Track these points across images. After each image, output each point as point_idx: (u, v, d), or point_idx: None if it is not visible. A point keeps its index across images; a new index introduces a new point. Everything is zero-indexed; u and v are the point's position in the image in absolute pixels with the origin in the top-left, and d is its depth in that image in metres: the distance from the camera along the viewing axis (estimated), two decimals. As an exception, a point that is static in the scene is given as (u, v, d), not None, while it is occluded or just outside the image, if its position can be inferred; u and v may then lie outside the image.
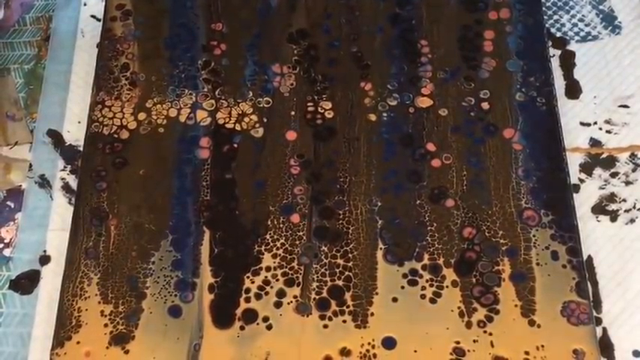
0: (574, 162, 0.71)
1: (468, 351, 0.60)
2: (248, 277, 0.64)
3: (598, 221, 0.68)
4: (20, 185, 0.71)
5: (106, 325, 0.62)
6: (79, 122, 0.73)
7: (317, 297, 0.63)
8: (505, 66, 0.73)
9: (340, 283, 0.63)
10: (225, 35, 0.76)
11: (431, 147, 0.69)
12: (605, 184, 0.70)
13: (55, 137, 0.73)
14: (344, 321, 0.62)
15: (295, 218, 0.66)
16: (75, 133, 0.73)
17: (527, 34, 0.75)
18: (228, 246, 0.65)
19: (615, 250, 0.67)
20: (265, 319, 0.62)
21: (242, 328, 0.62)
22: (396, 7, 0.77)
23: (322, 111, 0.71)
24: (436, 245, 0.65)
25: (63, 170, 0.72)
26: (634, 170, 0.71)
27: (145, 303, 0.63)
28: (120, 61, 0.74)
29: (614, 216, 0.69)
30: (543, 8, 0.78)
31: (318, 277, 0.63)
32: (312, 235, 0.65)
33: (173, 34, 0.76)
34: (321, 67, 0.74)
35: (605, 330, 0.63)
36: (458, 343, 0.61)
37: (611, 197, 0.69)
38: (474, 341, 0.61)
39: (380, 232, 0.65)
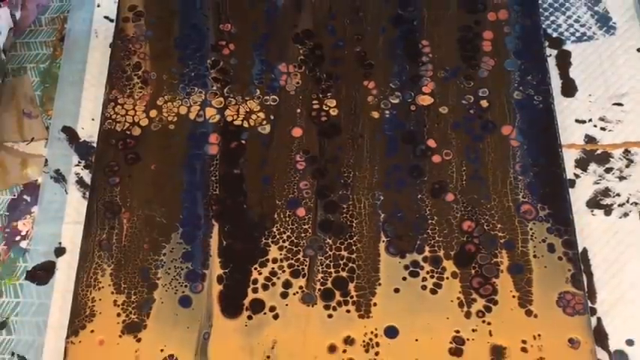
0: (570, 158, 0.71)
1: (467, 340, 0.60)
2: (255, 269, 0.64)
3: (593, 215, 0.68)
4: (36, 180, 0.71)
5: (118, 315, 0.62)
6: (93, 119, 0.73)
7: (322, 288, 0.63)
8: (503, 65, 0.73)
9: (344, 274, 0.63)
10: (233, 35, 0.76)
11: (431, 143, 0.69)
12: (600, 180, 0.70)
13: (70, 134, 0.73)
14: (348, 311, 0.62)
15: (301, 212, 0.66)
16: (89, 130, 0.73)
17: (524, 35, 0.75)
18: (237, 239, 0.65)
19: (609, 243, 0.67)
20: (272, 308, 0.62)
21: (250, 317, 0.62)
22: (398, 9, 0.77)
23: (327, 109, 0.71)
24: (437, 238, 0.65)
25: (77, 165, 0.72)
26: (627, 166, 0.71)
27: (156, 293, 0.63)
28: (132, 60, 0.74)
29: (608, 210, 0.69)
30: (540, 9, 0.78)
31: (322, 268, 0.64)
32: (317, 228, 0.65)
33: (183, 35, 0.76)
34: (326, 67, 0.74)
35: (599, 320, 0.64)
36: (457, 332, 0.61)
37: (606, 192, 0.69)
38: (473, 330, 0.61)
39: (382, 225, 0.65)
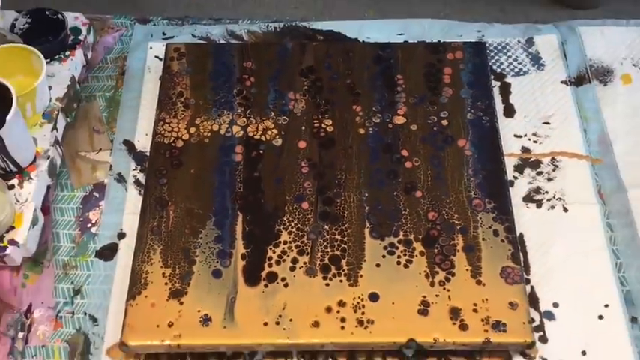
0: (510, 164, 0.71)
1: (432, 303, 0.60)
2: (270, 249, 0.64)
3: (527, 208, 0.68)
4: (103, 181, 0.71)
5: (166, 284, 0.62)
6: (147, 134, 0.73)
7: (321, 263, 0.63)
8: (459, 93, 0.73)
9: (338, 252, 0.63)
10: (253, 71, 0.76)
11: (405, 153, 0.69)
12: (533, 181, 0.70)
13: (129, 146, 0.73)
14: (341, 280, 0.62)
15: (305, 205, 0.66)
16: (143, 143, 0.73)
17: (475, 70, 0.75)
18: (256, 225, 0.65)
19: (540, 229, 0.67)
20: (283, 279, 0.62)
21: (266, 285, 0.62)
22: (379, 50, 0.77)
23: (325, 126, 0.71)
24: (408, 225, 0.65)
25: (134, 170, 0.71)
26: (554, 170, 0.71)
27: (194, 267, 0.63)
28: (176, 89, 0.74)
29: (539, 204, 0.69)
30: (487, 51, 0.78)
31: (321, 248, 0.63)
32: (318, 217, 0.65)
33: (215, 70, 0.76)
34: (324, 94, 0.74)
35: (532, 287, 0.64)
36: (424, 297, 0.61)
37: (537, 190, 0.70)
38: (436, 295, 0.61)
39: (367, 215, 0.65)
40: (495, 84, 0.77)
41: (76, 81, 0.76)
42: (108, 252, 0.67)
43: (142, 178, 0.71)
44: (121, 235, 0.67)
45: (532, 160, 0.71)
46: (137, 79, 0.78)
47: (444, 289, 0.61)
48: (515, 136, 0.73)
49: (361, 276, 0.62)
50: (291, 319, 0.60)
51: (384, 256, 0.63)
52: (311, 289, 0.61)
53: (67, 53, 0.76)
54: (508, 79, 0.77)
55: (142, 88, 0.77)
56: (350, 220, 0.65)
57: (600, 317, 0.62)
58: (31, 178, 0.67)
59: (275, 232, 0.64)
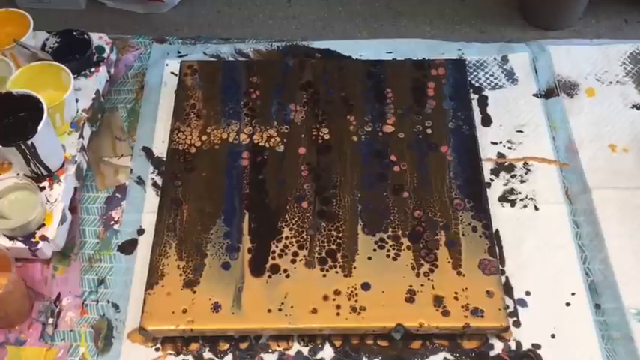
0: (487, 168, 0.71)
1: (417, 292, 0.60)
2: (273, 243, 0.64)
3: (502, 207, 0.69)
4: (125, 183, 0.71)
5: (180, 275, 0.62)
6: (163, 142, 0.73)
7: (319, 256, 0.63)
8: (442, 105, 0.73)
9: (334, 247, 0.63)
10: (259, 85, 0.76)
11: (393, 158, 0.69)
12: (507, 183, 0.70)
13: (147, 152, 0.73)
14: (336, 272, 0.62)
15: (304, 205, 0.66)
16: (160, 149, 0.73)
17: (456, 84, 0.75)
18: (261, 223, 0.65)
19: (513, 226, 0.67)
20: (285, 270, 0.62)
21: (270, 276, 0.62)
22: (370, 67, 0.77)
23: (322, 135, 0.71)
24: (397, 222, 0.65)
25: (152, 173, 0.71)
26: (526, 173, 0.71)
27: (206, 260, 0.63)
28: (190, 102, 0.74)
29: (513, 203, 0.69)
30: (467, 67, 0.78)
31: (319, 243, 0.64)
32: (316, 215, 0.65)
33: (225, 84, 0.76)
34: (321, 106, 0.74)
35: (507, 278, 0.64)
36: (411, 286, 0.61)
37: (511, 191, 0.70)
38: (421, 285, 0.61)
39: (360, 213, 0.65)
40: (474, 97, 0.77)
41: (100, 94, 0.76)
42: (129, 246, 0.67)
43: (159, 180, 0.71)
44: (141, 232, 0.67)
45: (507, 164, 0.72)
46: (155, 93, 0.78)
47: (429, 279, 0.61)
48: (492, 142, 0.73)
49: (354, 268, 0.62)
50: (292, 306, 0.60)
51: (374, 250, 0.63)
52: (310, 279, 0.61)
53: (93, 69, 0.76)
54: (485, 93, 0.78)
55: (159, 100, 0.77)
56: (345, 218, 0.65)
57: (567, 304, 0.62)
58: (60, 181, 0.67)
59: (278, 228, 0.64)
